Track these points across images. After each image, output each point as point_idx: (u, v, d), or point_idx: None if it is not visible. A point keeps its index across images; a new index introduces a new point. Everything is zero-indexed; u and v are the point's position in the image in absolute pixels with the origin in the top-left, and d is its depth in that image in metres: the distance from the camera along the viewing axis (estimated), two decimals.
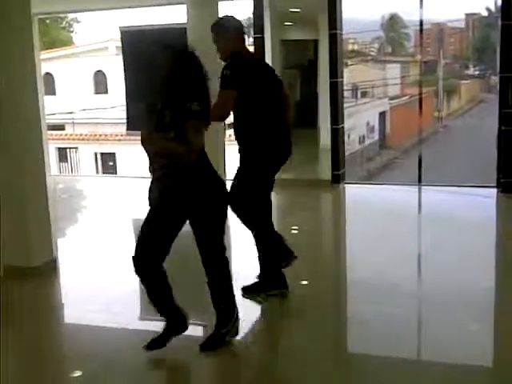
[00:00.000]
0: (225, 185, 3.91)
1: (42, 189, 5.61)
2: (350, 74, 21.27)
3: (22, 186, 5.42)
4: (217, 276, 3.93)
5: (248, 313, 4.67)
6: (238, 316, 4.00)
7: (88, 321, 4.57)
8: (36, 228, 5.54)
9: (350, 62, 22.10)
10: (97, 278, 5.50)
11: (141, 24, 9.83)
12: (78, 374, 3.84)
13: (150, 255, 3.75)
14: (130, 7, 10.50)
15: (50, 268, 5.60)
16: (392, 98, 24.77)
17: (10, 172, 5.37)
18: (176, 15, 10.02)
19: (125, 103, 9.43)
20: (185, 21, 8.01)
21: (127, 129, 9.39)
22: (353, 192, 8.96)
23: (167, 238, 3.77)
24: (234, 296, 4.02)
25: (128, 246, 6.53)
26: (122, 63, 9.11)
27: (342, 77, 8.89)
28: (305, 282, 5.20)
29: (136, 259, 3.75)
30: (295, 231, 6.88)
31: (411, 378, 3.62)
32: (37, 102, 5.51)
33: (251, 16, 9.26)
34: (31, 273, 5.41)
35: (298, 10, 10.87)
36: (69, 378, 3.85)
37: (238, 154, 4.71)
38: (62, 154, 19.23)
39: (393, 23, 28.66)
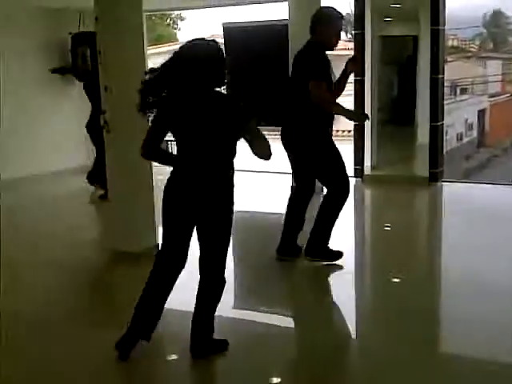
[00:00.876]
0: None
1: (149, 180, 5.89)
2: (450, 71, 20.88)
3: (133, 177, 5.73)
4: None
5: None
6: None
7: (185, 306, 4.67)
8: (142, 216, 5.82)
9: (449, 59, 21.70)
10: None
11: (243, 20, 10.06)
12: (173, 357, 3.99)
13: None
14: (232, 5, 10.72)
15: (153, 253, 5.83)
16: (492, 96, 24.15)
17: (124, 164, 5.70)
18: (278, 12, 10.17)
19: None
20: (286, 17, 8.13)
21: None
22: (451, 190, 8.82)
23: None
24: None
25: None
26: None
27: (443, 73, 8.79)
28: (396, 280, 5.20)
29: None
30: (388, 228, 6.87)
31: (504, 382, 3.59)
32: None
33: (349, 12, 9.31)
34: (136, 257, 5.66)
35: (398, 5, 10.77)
36: (165, 360, 3.98)
37: None
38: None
39: (495, 19, 27.89)
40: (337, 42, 5.21)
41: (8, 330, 4.33)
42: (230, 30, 9.38)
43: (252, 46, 8.96)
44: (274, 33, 8.55)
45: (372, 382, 3.67)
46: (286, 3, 8.07)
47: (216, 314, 3.90)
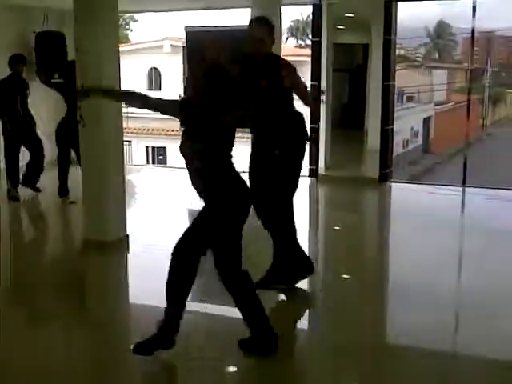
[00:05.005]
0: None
1: (120, 173, 6.21)
2: (397, 79, 21.50)
3: (105, 169, 6.04)
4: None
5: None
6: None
7: (150, 299, 4.86)
8: (113, 207, 6.13)
9: (397, 67, 22.40)
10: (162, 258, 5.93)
11: (204, 25, 10.38)
12: None
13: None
14: (196, 9, 11.03)
15: (123, 243, 6.19)
16: (437, 104, 24.99)
17: (96, 158, 6.01)
18: (235, 18, 10.49)
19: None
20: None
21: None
22: (399, 190, 9.37)
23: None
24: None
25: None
26: (186, 62, 9.64)
27: (394, 80, 9.33)
28: (346, 276, 5.55)
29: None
30: (337, 228, 7.24)
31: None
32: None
33: (300, 19, 9.73)
34: (106, 246, 6.03)
35: (352, 14, 11.29)
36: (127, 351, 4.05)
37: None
38: None
39: (441, 30, 28.78)
40: None
41: None
42: (192, 34, 9.68)
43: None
44: (237, 38, 8.88)
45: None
46: (249, 9, 8.46)
47: None
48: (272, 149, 4.85)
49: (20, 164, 8.47)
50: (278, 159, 4.83)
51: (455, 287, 5.36)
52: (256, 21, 5.07)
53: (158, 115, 4.21)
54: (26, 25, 10.20)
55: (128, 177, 10.43)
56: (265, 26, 4.88)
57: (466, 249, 6.48)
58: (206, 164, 3.78)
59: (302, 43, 31.93)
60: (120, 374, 3.92)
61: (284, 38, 32.64)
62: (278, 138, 4.84)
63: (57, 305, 4.98)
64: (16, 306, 5.06)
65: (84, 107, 5.86)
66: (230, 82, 3.87)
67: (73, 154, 8.21)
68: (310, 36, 9.84)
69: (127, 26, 28.56)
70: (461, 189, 9.17)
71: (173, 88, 18.61)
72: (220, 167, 3.83)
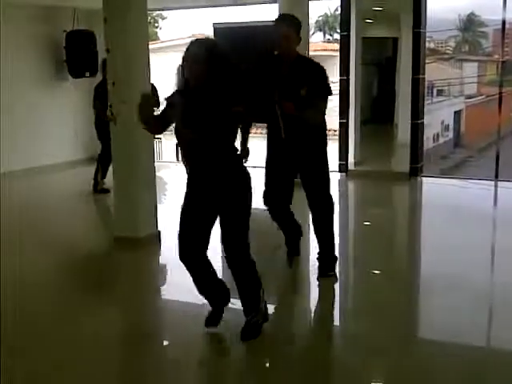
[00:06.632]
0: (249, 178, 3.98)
1: (151, 171, 6.25)
2: (427, 72, 21.23)
3: (136, 168, 6.08)
4: (241, 270, 4.04)
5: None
6: (265, 303, 4.14)
7: (181, 295, 4.96)
8: (144, 203, 6.17)
9: (427, 60, 22.14)
10: None
11: (232, 21, 10.40)
12: (166, 343, 4.33)
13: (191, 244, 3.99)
14: (223, 5, 11.05)
15: (154, 239, 6.24)
16: (468, 97, 24.67)
17: (127, 155, 6.06)
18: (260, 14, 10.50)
19: None
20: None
21: None
22: (430, 185, 9.30)
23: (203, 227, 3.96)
24: (259, 284, 4.08)
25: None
26: None
27: (424, 73, 9.26)
28: (376, 271, 5.53)
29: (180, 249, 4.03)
30: (368, 223, 7.21)
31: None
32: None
33: (328, 13, 9.69)
34: (138, 243, 6.07)
35: (380, 8, 11.21)
36: (157, 347, 4.25)
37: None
38: None
39: (471, 22, 28.45)
40: None
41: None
42: (220, 30, 9.71)
43: (242, 46, 9.27)
44: (265, 33, 8.87)
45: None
46: (277, 5, 8.45)
47: None
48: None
49: None
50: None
51: (488, 283, 5.27)
52: (281, 18, 5.08)
53: None
54: (56, 24, 10.36)
55: (158, 173, 10.62)
56: (290, 23, 4.84)
57: (499, 244, 6.38)
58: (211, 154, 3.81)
59: (330, 38, 31.78)
60: (149, 362, 3.95)
61: (311, 33, 32.48)
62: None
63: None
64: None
65: (115, 105, 5.93)
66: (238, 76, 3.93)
67: None
68: (339, 30, 9.79)
69: (156, 24, 28.58)
70: (493, 183, 9.07)
71: None
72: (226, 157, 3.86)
